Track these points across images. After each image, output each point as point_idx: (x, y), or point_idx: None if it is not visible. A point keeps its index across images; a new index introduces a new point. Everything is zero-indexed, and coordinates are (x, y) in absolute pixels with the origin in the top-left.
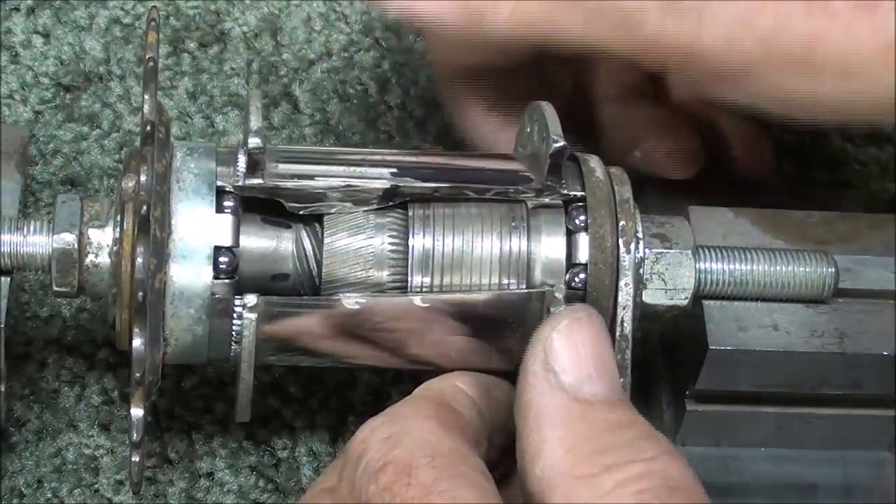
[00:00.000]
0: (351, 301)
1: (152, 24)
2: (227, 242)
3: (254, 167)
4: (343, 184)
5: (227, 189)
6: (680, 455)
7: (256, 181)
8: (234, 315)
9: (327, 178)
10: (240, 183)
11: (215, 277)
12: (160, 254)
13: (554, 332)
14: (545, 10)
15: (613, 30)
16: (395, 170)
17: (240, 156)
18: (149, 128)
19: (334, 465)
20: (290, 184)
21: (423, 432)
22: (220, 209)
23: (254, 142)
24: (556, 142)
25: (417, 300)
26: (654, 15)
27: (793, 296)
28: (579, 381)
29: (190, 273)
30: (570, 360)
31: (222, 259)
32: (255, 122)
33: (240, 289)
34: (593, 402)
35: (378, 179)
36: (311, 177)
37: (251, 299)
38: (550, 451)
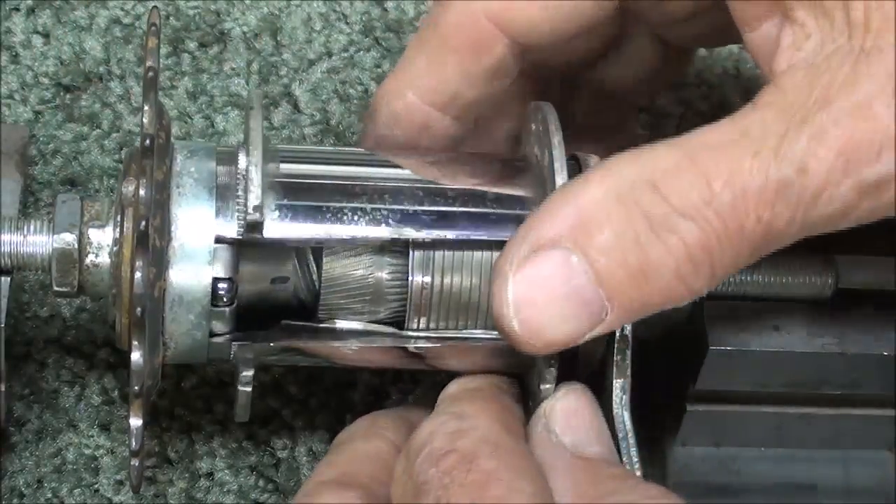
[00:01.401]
0: (347, 347)
1: (153, 28)
2: (227, 274)
3: (253, 229)
4: (344, 237)
5: (227, 238)
6: (681, 500)
7: (255, 236)
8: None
9: (329, 233)
10: (240, 237)
11: (213, 306)
12: (159, 262)
13: (554, 402)
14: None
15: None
16: (398, 217)
17: (239, 193)
18: (148, 142)
19: (329, 459)
20: (290, 237)
21: (489, 430)
22: (219, 240)
23: (252, 217)
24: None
25: (411, 348)
26: None
27: (793, 296)
28: (578, 441)
29: (190, 277)
30: (569, 424)
31: (221, 286)
32: (255, 199)
33: (237, 308)
34: (593, 458)
35: (378, 230)
36: (311, 233)
37: (247, 375)
38: (558, 496)
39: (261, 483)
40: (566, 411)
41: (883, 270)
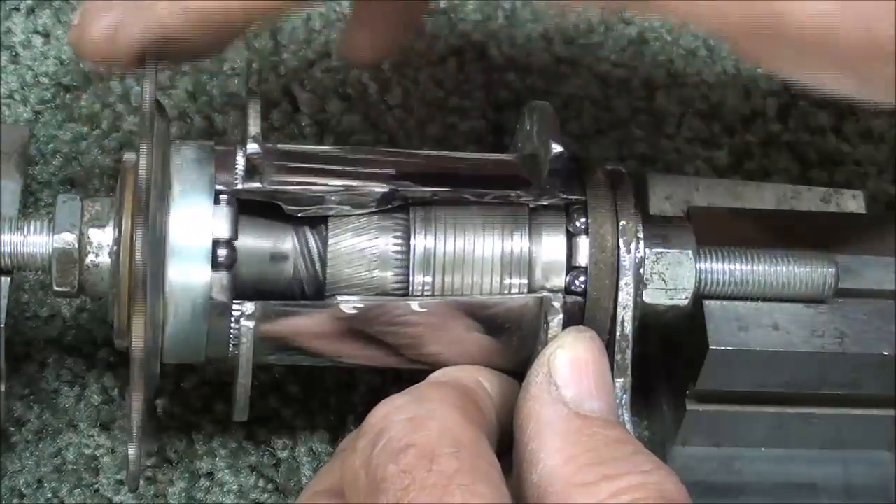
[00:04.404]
0: (349, 306)
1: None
2: (225, 235)
3: (252, 172)
4: (342, 187)
5: (226, 191)
6: (673, 472)
7: (255, 185)
8: (232, 318)
9: (326, 181)
10: (238, 186)
11: (214, 269)
12: (157, 254)
13: (559, 349)
14: None
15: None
16: (393, 173)
17: (238, 159)
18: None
19: (329, 467)
20: (288, 187)
21: (447, 421)
22: (217, 201)
23: (252, 148)
24: (555, 147)
25: (415, 305)
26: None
27: (793, 296)
28: (580, 396)
29: (188, 272)
30: (572, 376)
31: (220, 251)
32: (254, 127)
33: (238, 286)
34: (592, 417)
35: (377, 183)
36: (310, 180)
37: (249, 307)
38: (549, 459)
39: (261, 483)
40: (571, 363)
41: (883, 270)
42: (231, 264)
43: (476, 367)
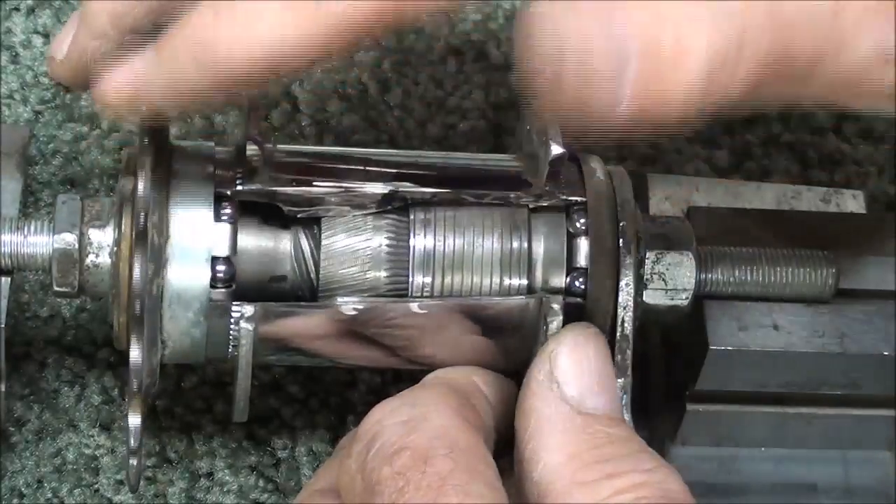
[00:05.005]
0: (348, 307)
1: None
2: (225, 252)
3: (252, 173)
4: (342, 188)
5: (226, 194)
6: (676, 471)
7: (254, 186)
8: (232, 320)
9: (326, 182)
10: (238, 188)
11: (212, 286)
12: (158, 259)
13: (560, 345)
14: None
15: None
16: (393, 174)
17: (238, 160)
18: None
19: (328, 465)
20: (288, 189)
21: (442, 421)
22: (218, 217)
23: (251, 149)
24: (555, 148)
25: (415, 306)
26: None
27: (793, 296)
28: (582, 393)
29: (188, 277)
30: (575, 373)
31: (219, 268)
32: (253, 128)
33: (237, 292)
34: (594, 414)
35: (377, 184)
36: (309, 181)
37: (248, 309)
38: (550, 457)
39: (261, 483)
40: (573, 359)
41: (883, 270)
42: (230, 279)
43: (471, 368)
